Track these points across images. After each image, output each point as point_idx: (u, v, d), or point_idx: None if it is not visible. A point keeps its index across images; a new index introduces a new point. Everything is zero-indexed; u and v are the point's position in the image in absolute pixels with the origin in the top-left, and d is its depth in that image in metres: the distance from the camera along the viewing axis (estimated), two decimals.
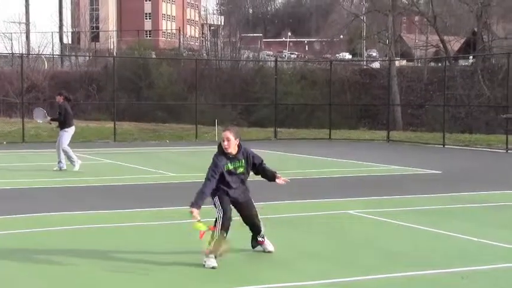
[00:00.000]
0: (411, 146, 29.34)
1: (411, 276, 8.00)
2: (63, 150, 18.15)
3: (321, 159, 22.96)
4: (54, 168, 18.29)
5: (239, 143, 8.66)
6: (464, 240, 9.89)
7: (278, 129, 32.95)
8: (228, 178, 8.64)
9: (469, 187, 15.70)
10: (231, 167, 8.64)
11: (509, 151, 26.00)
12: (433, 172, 18.95)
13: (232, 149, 8.56)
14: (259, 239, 9.04)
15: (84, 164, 18.98)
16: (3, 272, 8.09)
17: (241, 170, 8.73)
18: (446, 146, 28.33)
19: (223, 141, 8.48)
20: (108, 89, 41.12)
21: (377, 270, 8.18)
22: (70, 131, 18.38)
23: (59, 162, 18.32)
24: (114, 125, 30.61)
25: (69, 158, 18.20)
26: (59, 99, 18.51)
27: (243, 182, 8.81)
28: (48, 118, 18.79)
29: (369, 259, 8.79)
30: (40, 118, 19.01)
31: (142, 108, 42.06)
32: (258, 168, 8.96)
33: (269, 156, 23.93)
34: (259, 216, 8.99)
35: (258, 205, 9.06)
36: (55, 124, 18.74)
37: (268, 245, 9.06)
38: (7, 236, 10.11)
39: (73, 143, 18.95)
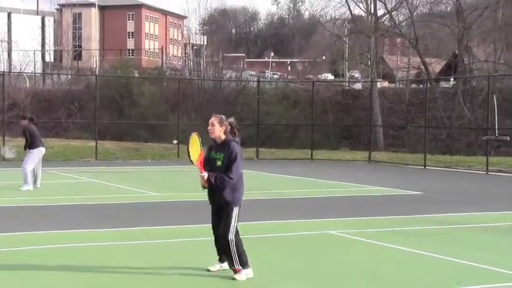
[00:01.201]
0: (392, 167, 29.43)
1: None
2: (24, 169, 17.94)
3: (302, 179, 22.98)
4: (28, 188, 18.05)
5: (227, 134, 8.51)
6: (445, 262, 9.92)
7: (260, 149, 32.96)
8: (207, 168, 8.51)
9: (450, 208, 15.76)
10: (211, 155, 8.57)
11: (489, 173, 26.15)
12: (414, 193, 19.01)
13: (217, 136, 8.50)
14: (236, 266, 8.51)
15: (65, 183, 18.87)
16: None
17: (219, 163, 8.48)
18: (427, 167, 28.45)
19: (208, 126, 8.52)
20: (90, 107, 40.96)
21: None
22: (35, 153, 18.13)
23: (34, 181, 18.20)
24: (96, 144, 30.48)
25: (24, 177, 17.95)
26: (24, 122, 18.41)
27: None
28: (13, 154, 18.70)
29: (350, 280, 8.79)
30: (9, 154, 18.88)
31: (124, 127, 41.90)
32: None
33: (251, 176, 23.94)
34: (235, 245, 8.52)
35: None
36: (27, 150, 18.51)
37: (240, 276, 8.50)
38: None
39: (54, 161, 18.85)
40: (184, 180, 21.19)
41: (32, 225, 12.50)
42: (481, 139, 30.24)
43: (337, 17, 53.94)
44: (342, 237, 11.85)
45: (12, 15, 78.75)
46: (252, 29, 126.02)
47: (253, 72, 73.99)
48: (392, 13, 48.42)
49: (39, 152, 18.24)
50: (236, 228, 8.62)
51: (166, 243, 11.04)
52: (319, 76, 62.53)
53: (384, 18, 49.20)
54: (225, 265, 8.78)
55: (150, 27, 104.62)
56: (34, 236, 11.44)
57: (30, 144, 18.16)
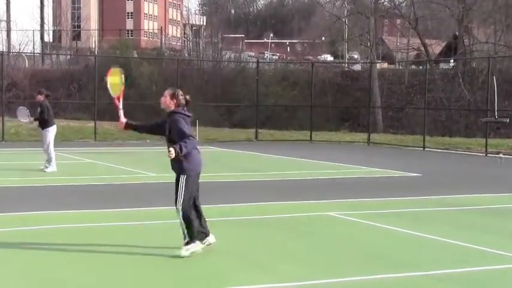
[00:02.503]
0: (391, 149, 29.44)
1: (388, 278, 8.04)
2: (48, 151, 17.68)
3: (302, 160, 22.99)
4: (41, 167, 17.98)
5: (175, 107, 8.93)
6: (442, 243, 9.95)
7: (259, 131, 32.93)
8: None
9: (449, 190, 15.78)
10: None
11: (488, 155, 26.16)
12: (413, 175, 19.03)
13: (165, 107, 9.03)
14: (185, 238, 8.68)
15: (64, 164, 18.88)
16: None
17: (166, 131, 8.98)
18: (426, 149, 28.46)
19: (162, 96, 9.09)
20: (89, 88, 40.94)
21: (354, 273, 8.21)
22: (52, 131, 17.97)
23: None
24: (95, 125, 30.46)
25: (49, 159, 17.79)
26: (40, 98, 18.08)
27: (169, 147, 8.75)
28: (32, 118, 18.41)
29: (346, 261, 8.83)
30: (24, 117, 18.61)
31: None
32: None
33: (250, 158, 23.98)
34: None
35: None
36: (36, 124, 18.32)
37: (184, 251, 8.66)
38: None
39: (54, 142, 18.75)
40: None
41: (33, 205, 12.51)
42: (481, 121, 30.23)
43: None
44: (341, 218, 11.88)
45: None
46: (251, 9, 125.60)
47: (252, 53, 73.91)
48: None
49: (54, 130, 18.13)
50: (189, 200, 8.70)
51: (166, 224, 11.06)
52: (319, 57, 62.46)
53: None
54: (211, 239, 8.98)
55: (149, 7, 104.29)
56: (35, 216, 11.46)
57: (47, 122, 17.90)
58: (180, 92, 9.04)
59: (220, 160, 22.80)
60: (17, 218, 11.37)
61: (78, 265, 8.33)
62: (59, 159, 18.83)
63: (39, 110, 17.97)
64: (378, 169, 20.25)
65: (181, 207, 8.65)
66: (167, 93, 9.06)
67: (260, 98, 34.70)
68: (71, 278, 7.77)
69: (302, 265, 8.54)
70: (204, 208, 9.05)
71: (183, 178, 8.73)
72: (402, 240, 10.32)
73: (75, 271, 8.06)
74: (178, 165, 8.77)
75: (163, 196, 14.12)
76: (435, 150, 28.53)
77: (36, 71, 50.73)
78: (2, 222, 10.95)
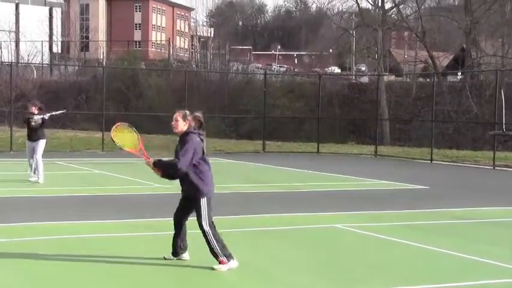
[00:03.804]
0: (399, 161, 29.40)
1: None
2: (36, 160, 17.57)
3: (309, 172, 22.98)
4: (33, 179, 17.89)
5: (188, 128, 8.79)
6: (450, 256, 9.94)
7: (266, 142, 32.92)
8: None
9: (456, 203, 15.76)
10: (176, 149, 8.93)
11: (496, 168, 26.11)
12: (420, 187, 19.01)
13: (180, 131, 8.84)
14: (221, 257, 8.58)
15: (72, 174, 18.91)
16: None
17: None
18: (433, 162, 28.41)
19: (172, 121, 8.86)
20: (97, 98, 41.05)
21: (359, 285, 8.20)
22: (44, 143, 17.86)
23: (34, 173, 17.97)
24: (103, 135, 30.50)
25: (40, 169, 17.55)
26: (33, 109, 17.75)
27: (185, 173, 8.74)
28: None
29: (353, 273, 8.83)
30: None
31: (130, 119, 41.69)
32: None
33: (258, 169, 23.98)
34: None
35: None
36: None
37: (222, 266, 8.61)
38: None
39: (61, 152, 18.79)
40: None
41: (43, 216, 12.52)
42: (488, 134, 30.16)
43: (344, 10, 53.97)
44: (348, 230, 11.87)
45: (20, 6, 78.89)
46: (259, 21, 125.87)
47: (259, 65, 74.02)
48: (400, 6, 48.37)
49: (45, 142, 18.12)
50: (211, 220, 8.69)
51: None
52: (326, 69, 62.53)
53: (392, 11, 49.16)
54: (185, 256, 9.00)
55: (157, 18, 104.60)
56: (45, 227, 11.48)
57: (42, 134, 17.87)
58: (188, 112, 8.90)
59: (228, 171, 22.81)
60: (28, 228, 11.39)
61: (90, 274, 8.35)
62: (68, 170, 18.90)
63: (41, 120, 17.75)
64: (385, 181, 20.23)
65: (208, 228, 8.62)
66: (178, 116, 8.82)
67: (267, 110, 34.73)
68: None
69: (309, 276, 8.54)
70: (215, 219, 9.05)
71: (203, 200, 8.69)
72: (410, 253, 10.31)
73: (85, 280, 8.08)
74: (195, 188, 8.70)
75: (168, 207, 14.15)
76: (442, 162, 28.47)
77: (45, 81, 50.92)
78: (11, 232, 10.98)
